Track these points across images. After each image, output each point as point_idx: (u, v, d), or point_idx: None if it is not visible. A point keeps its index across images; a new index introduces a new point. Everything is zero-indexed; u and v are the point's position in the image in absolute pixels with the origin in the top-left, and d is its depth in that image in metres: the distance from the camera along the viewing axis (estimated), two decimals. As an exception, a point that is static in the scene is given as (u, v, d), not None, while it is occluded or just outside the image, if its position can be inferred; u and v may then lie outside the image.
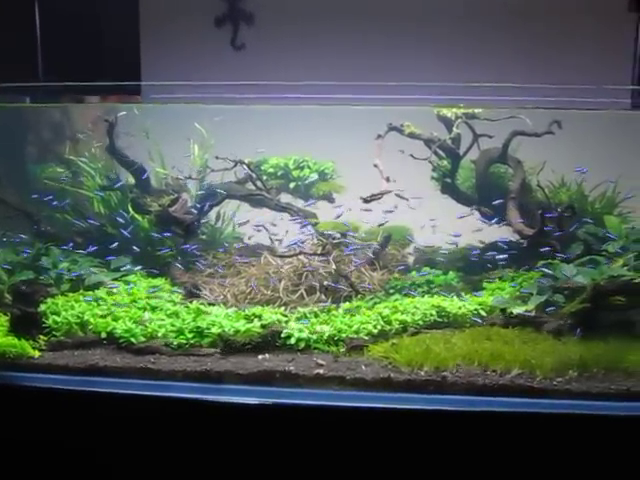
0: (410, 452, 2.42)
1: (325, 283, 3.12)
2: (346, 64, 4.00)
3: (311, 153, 3.66)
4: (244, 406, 2.47)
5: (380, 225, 3.36)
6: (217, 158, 3.33)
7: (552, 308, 2.82)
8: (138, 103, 3.39)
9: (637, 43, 4.02)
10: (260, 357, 2.69)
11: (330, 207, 3.56)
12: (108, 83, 3.04)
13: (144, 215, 3.43)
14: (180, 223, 3.32)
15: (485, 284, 3.15)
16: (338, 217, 3.28)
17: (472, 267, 3.29)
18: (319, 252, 3.21)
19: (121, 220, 3.34)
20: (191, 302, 3.04)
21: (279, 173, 3.62)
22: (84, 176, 3.57)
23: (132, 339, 2.75)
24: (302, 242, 3.24)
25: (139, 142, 3.43)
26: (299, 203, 3.53)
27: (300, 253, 3.21)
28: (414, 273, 3.25)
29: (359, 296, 3.10)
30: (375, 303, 3.00)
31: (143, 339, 2.76)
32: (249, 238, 3.56)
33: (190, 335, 2.76)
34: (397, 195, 2.99)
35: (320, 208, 3.53)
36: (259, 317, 2.83)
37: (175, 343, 2.73)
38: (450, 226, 3.20)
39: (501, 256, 3.16)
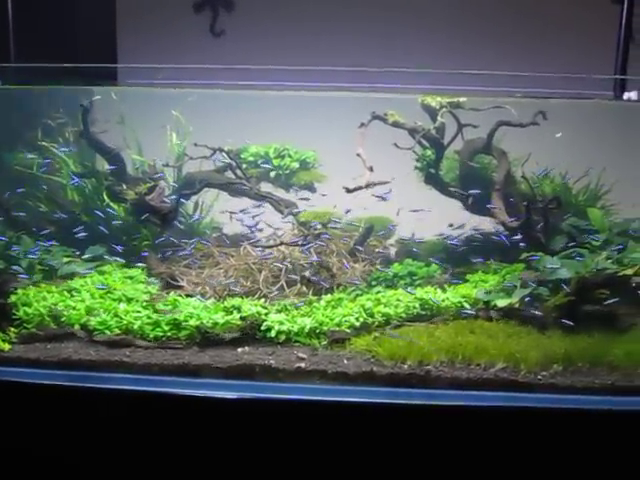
0: (393, 447, 2.38)
1: (307, 274, 3.06)
2: (327, 50, 3.95)
3: (292, 141, 3.59)
4: (223, 400, 2.41)
5: (349, 216, 3.31)
6: (196, 145, 3.25)
7: (530, 299, 2.78)
8: (114, 87, 3.29)
9: (620, 34, 4.02)
10: (239, 350, 2.63)
11: (315, 197, 3.48)
12: (83, 65, 2.94)
13: (120, 203, 3.34)
14: (157, 212, 3.24)
15: (468, 276, 3.11)
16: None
17: (455, 259, 3.25)
18: (300, 243, 3.14)
19: (96, 209, 3.25)
20: (168, 293, 2.96)
21: (259, 162, 3.55)
22: (56, 162, 3.47)
23: (107, 331, 2.68)
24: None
25: (115, 128, 3.34)
26: (280, 192, 3.46)
27: (281, 244, 3.15)
28: (396, 265, 3.20)
29: (341, 288, 3.04)
30: (357, 295, 2.95)
31: (118, 331, 2.68)
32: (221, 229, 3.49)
33: (167, 328, 2.69)
34: (369, 187, 2.94)
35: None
36: (238, 309, 2.76)
37: (151, 336, 2.66)
38: (432, 217, 3.15)
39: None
